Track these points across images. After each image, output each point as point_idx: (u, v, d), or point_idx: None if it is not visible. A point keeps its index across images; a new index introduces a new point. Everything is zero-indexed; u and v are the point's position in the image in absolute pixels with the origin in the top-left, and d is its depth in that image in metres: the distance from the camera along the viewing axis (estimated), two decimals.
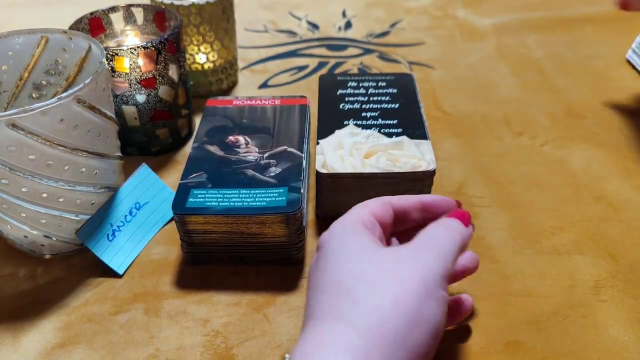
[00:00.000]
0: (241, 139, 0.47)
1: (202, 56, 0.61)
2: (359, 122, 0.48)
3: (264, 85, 0.67)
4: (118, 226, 0.43)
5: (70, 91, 0.36)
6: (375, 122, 0.48)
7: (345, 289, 0.27)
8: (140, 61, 0.49)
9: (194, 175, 0.43)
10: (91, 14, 0.52)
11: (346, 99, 0.51)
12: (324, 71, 0.69)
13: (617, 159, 0.53)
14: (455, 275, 0.37)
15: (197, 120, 0.57)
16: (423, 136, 0.46)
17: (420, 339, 0.26)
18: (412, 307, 0.26)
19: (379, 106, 0.50)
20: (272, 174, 0.43)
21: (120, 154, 0.44)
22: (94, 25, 0.53)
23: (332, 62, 0.71)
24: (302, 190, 0.41)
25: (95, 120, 0.39)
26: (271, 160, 0.44)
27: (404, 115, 0.49)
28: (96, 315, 0.40)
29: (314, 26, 0.80)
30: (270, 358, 0.36)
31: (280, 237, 0.41)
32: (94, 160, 0.40)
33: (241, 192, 0.41)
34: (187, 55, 0.60)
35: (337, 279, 0.28)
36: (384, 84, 0.53)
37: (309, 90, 0.64)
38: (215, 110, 0.51)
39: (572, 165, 0.52)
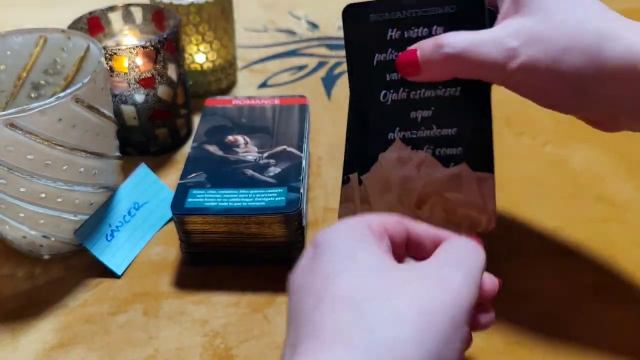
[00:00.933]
0: (240, 138, 0.47)
1: (201, 56, 0.61)
2: (407, 134, 0.35)
3: (264, 85, 0.66)
4: (117, 226, 0.43)
5: (68, 91, 0.36)
6: (428, 132, 0.35)
7: (357, 309, 0.22)
8: (139, 61, 0.49)
9: (193, 175, 0.43)
10: (90, 13, 0.52)
11: (388, 77, 0.34)
12: (323, 71, 0.69)
13: (619, 159, 0.53)
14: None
15: (196, 120, 0.57)
16: (487, 166, 0.35)
17: None
18: (436, 346, 0.22)
19: (433, 93, 0.34)
20: (271, 174, 0.43)
21: (119, 154, 0.44)
22: (93, 24, 0.53)
23: (332, 61, 0.71)
24: (301, 190, 0.41)
25: (93, 120, 0.39)
26: (270, 160, 0.44)
27: (467, 117, 0.35)
28: (95, 316, 0.39)
29: (314, 25, 0.80)
30: (269, 359, 0.36)
31: (279, 237, 0.41)
32: (93, 160, 0.40)
33: (240, 192, 0.41)
34: (186, 55, 0.60)
35: (346, 293, 0.23)
36: (440, 30, 0.33)
37: (309, 90, 0.64)
38: (215, 110, 0.51)
39: (573, 165, 0.52)
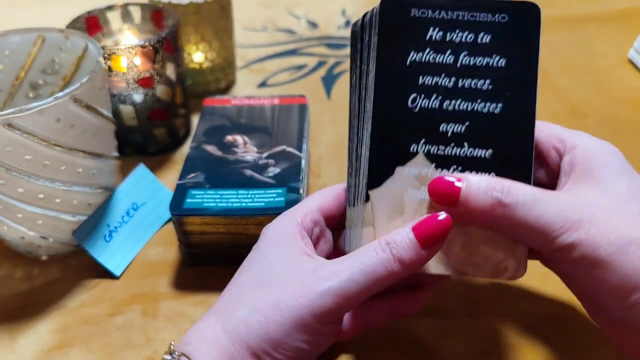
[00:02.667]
0: (239, 138, 0.47)
1: (200, 55, 0.60)
2: (434, 149, 0.30)
3: (263, 84, 0.66)
4: (115, 227, 0.43)
5: (66, 90, 0.36)
6: (458, 150, 0.30)
7: (238, 294, 0.30)
8: (138, 60, 0.48)
9: (192, 175, 0.42)
10: (88, 12, 0.52)
11: (421, 79, 0.30)
12: (323, 71, 0.68)
13: None
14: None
15: (195, 119, 0.57)
16: None
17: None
18: (278, 333, 0.28)
19: (470, 106, 0.30)
20: (270, 174, 0.42)
21: (117, 154, 0.44)
22: (91, 23, 0.52)
23: (332, 61, 0.71)
24: (301, 191, 0.41)
25: (92, 120, 0.39)
26: (270, 160, 0.44)
27: (506, 136, 0.30)
28: (93, 317, 0.39)
29: (313, 25, 0.80)
30: None
31: None
32: (91, 161, 0.40)
33: (239, 192, 0.41)
34: (185, 54, 0.60)
35: (240, 282, 0.30)
36: (487, 38, 0.30)
37: (309, 90, 0.64)
38: (213, 109, 0.51)
39: None
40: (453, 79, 0.30)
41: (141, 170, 0.46)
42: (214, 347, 0.28)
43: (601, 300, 0.28)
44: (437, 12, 0.30)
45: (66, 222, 0.41)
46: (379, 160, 0.30)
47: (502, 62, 0.30)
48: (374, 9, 0.31)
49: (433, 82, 0.30)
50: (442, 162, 0.30)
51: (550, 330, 0.38)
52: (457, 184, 0.28)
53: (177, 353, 0.28)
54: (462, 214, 0.28)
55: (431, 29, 0.30)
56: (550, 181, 0.32)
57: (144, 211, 0.45)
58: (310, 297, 0.27)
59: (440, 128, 0.30)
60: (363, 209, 0.30)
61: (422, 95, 0.30)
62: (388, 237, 0.28)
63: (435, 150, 0.30)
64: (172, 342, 0.29)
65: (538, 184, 0.31)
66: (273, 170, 0.43)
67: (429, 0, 0.30)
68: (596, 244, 0.27)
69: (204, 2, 0.56)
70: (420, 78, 0.30)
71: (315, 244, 0.33)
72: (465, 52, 0.30)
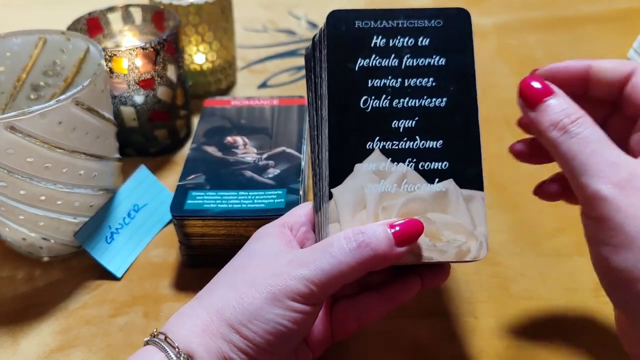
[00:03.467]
0: (239, 139, 0.47)
1: (200, 56, 0.61)
2: (388, 145, 0.32)
3: (263, 85, 0.66)
4: (116, 228, 0.43)
5: (68, 93, 0.36)
6: (411, 143, 0.32)
7: (217, 280, 0.31)
8: (139, 62, 0.49)
9: (192, 176, 0.43)
10: (89, 14, 0.52)
11: (370, 82, 0.33)
12: None
13: None
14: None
15: (196, 120, 0.57)
16: (476, 182, 0.32)
17: (256, 335, 0.28)
18: (254, 306, 0.28)
19: (417, 102, 0.32)
20: (270, 176, 0.42)
21: (118, 156, 0.44)
22: (92, 25, 0.52)
23: None
24: (300, 192, 0.41)
25: (93, 122, 0.39)
26: (269, 162, 0.44)
27: (454, 126, 0.32)
28: (95, 318, 0.39)
29: (314, 25, 0.80)
30: None
31: None
32: (92, 162, 0.40)
33: (239, 193, 0.41)
34: (186, 56, 0.60)
35: (225, 270, 0.32)
36: (426, 41, 0.33)
37: None
38: (214, 110, 0.51)
39: None
40: (399, 79, 0.32)
41: (142, 172, 0.46)
42: (190, 320, 0.29)
43: (610, 278, 0.28)
44: (378, 22, 0.33)
45: (67, 223, 0.41)
46: (338, 159, 0.32)
47: (442, 60, 0.33)
48: (321, 28, 0.34)
49: (381, 84, 0.32)
50: (397, 156, 0.32)
51: (550, 331, 0.38)
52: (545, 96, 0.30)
53: (155, 332, 0.29)
54: (533, 120, 0.30)
55: (375, 37, 0.33)
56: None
57: (145, 213, 0.45)
58: (282, 279, 0.29)
59: (392, 125, 0.32)
60: (327, 207, 0.32)
61: (373, 97, 0.32)
62: (362, 227, 0.29)
63: (390, 146, 0.32)
64: (155, 328, 0.30)
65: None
66: (273, 172, 0.43)
67: (370, 13, 0.33)
68: (630, 214, 0.26)
69: (205, 3, 0.57)
70: (369, 81, 0.32)
71: (302, 243, 0.34)
72: (408, 55, 0.33)
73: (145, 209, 0.46)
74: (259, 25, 0.80)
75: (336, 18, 0.33)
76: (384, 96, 0.32)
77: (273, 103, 0.52)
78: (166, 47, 0.49)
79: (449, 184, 0.31)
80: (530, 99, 0.30)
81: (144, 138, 0.53)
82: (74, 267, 0.43)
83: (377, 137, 0.32)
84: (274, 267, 0.29)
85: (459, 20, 0.33)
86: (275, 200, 0.40)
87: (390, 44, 0.33)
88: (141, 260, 0.44)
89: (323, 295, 0.29)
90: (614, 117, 0.33)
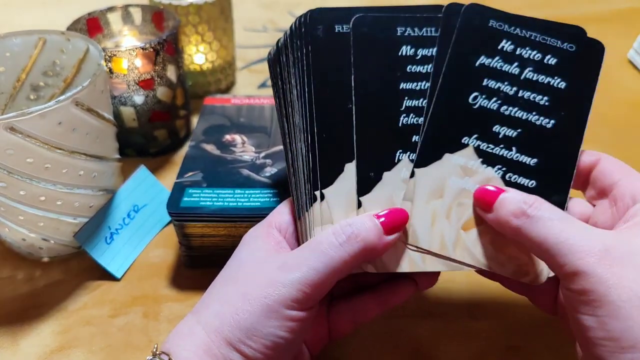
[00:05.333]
0: (237, 138, 0.47)
1: (200, 56, 0.61)
2: (483, 146, 0.32)
3: (263, 85, 0.66)
4: (116, 229, 0.43)
5: (68, 94, 0.36)
6: (506, 152, 0.32)
7: (210, 292, 0.31)
8: (139, 62, 0.49)
9: (190, 174, 0.43)
10: (89, 14, 0.52)
11: (485, 82, 0.32)
12: None
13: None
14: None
15: (195, 121, 0.57)
16: (559, 204, 0.30)
17: (256, 352, 0.28)
18: (249, 322, 0.28)
19: (525, 115, 0.32)
20: (267, 174, 0.43)
21: (118, 156, 0.44)
22: (92, 25, 0.52)
23: None
24: None
25: (93, 123, 0.39)
26: (267, 160, 0.44)
27: (554, 150, 0.32)
28: (94, 319, 0.39)
29: None
30: None
31: None
32: (92, 163, 0.40)
33: (236, 192, 0.41)
34: (185, 56, 0.60)
35: (217, 279, 0.32)
36: (553, 61, 0.33)
37: None
38: (213, 108, 0.51)
39: None
40: (515, 88, 0.32)
41: (142, 172, 0.46)
42: (191, 341, 0.29)
43: (595, 345, 0.26)
44: (512, 27, 0.33)
45: (67, 224, 0.41)
46: (432, 144, 0.32)
47: (563, 84, 0.32)
48: (286, 32, 0.34)
49: (496, 87, 0.32)
50: (488, 159, 0.31)
51: (550, 332, 0.38)
52: (498, 195, 0.30)
53: (158, 352, 0.29)
54: (494, 221, 0.30)
55: (504, 40, 0.33)
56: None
57: (144, 213, 0.45)
58: (275, 287, 0.28)
59: (494, 128, 0.32)
60: (403, 184, 0.31)
61: (484, 96, 0.32)
62: (349, 220, 0.30)
63: (485, 147, 0.32)
64: (156, 345, 0.29)
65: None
66: (270, 170, 0.43)
67: (508, 16, 0.33)
68: (612, 284, 0.25)
69: (205, 3, 0.57)
70: (485, 80, 0.32)
71: (292, 243, 0.33)
72: (531, 68, 0.32)
73: (145, 210, 0.46)
74: (259, 25, 0.80)
75: (472, 11, 0.33)
76: (495, 99, 0.32)
77: (272, 102, 0.51)
78: (166, 48, 0.49)
79: None
80: (484, 202, 0.30)
81: (144, 138, 0.53)
82: (74, 268, 0.43)
83: (475, 135, 0.32)
84: (265, 275, 0.29)
85: (592, 52, 0.33)
86: (271, 199, 0.40)
87: (517, 52, 0.33)
88: (141, 260, 0.44)
89: (318, 297, 0.29)
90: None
